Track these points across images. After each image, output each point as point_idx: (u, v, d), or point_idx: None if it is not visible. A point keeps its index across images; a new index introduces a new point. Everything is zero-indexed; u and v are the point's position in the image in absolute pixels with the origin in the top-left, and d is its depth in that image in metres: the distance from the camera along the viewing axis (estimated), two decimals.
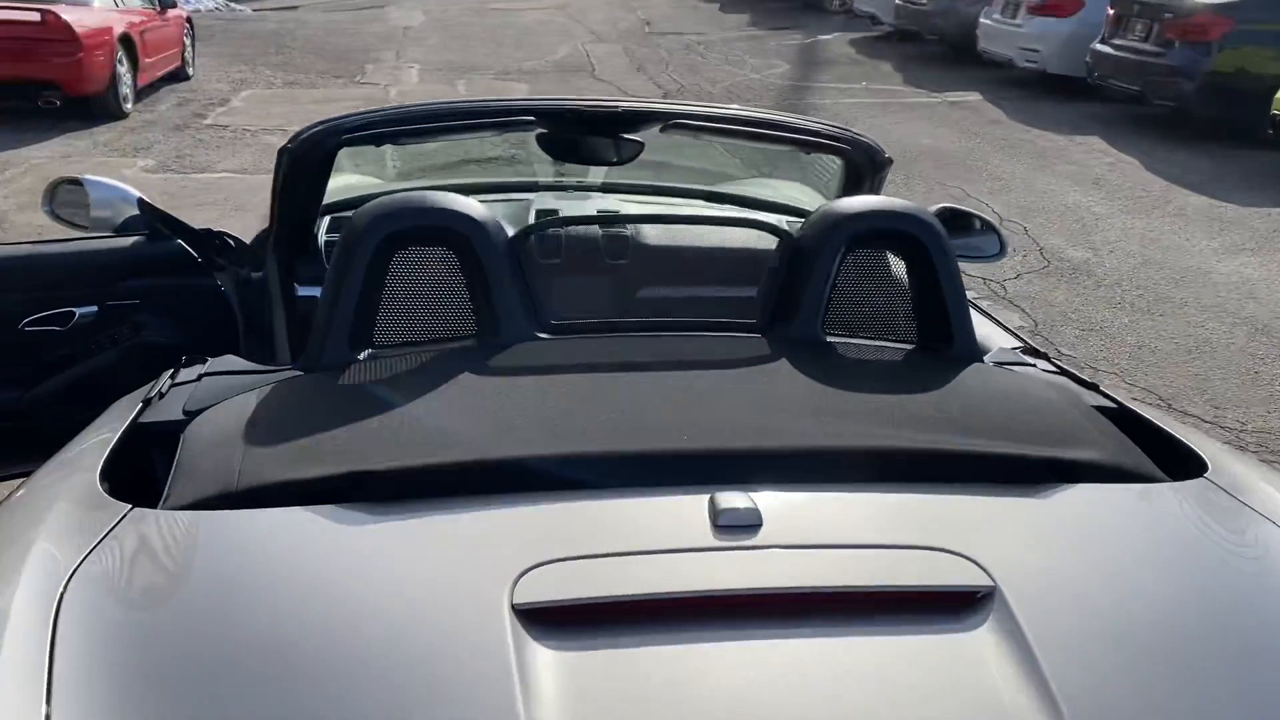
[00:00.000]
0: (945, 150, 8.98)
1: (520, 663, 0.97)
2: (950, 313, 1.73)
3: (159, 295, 2.67)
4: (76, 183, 2.71)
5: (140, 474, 1.46)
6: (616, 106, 2.40)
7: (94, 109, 9.12)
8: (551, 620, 1.04)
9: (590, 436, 1.34)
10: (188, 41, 11.61)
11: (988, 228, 2.76)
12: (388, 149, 2.90)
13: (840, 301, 1.75)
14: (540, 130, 2.44)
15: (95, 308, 2.60)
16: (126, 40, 9.49)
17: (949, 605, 1.11)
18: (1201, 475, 1.44)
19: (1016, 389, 1.62)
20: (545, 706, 0.93)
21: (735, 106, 2.63)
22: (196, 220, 2.82)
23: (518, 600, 1.04)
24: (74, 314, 2.58)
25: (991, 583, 1.11)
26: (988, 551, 1.16)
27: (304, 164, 2.34)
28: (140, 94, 10.06)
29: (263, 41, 14.49)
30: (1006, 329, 2.25)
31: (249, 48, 13.95)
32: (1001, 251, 2.72)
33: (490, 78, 12.38)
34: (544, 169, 3.16)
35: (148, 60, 10.07)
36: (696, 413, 1.42)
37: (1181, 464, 1.50)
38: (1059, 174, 8.24)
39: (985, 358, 1.89)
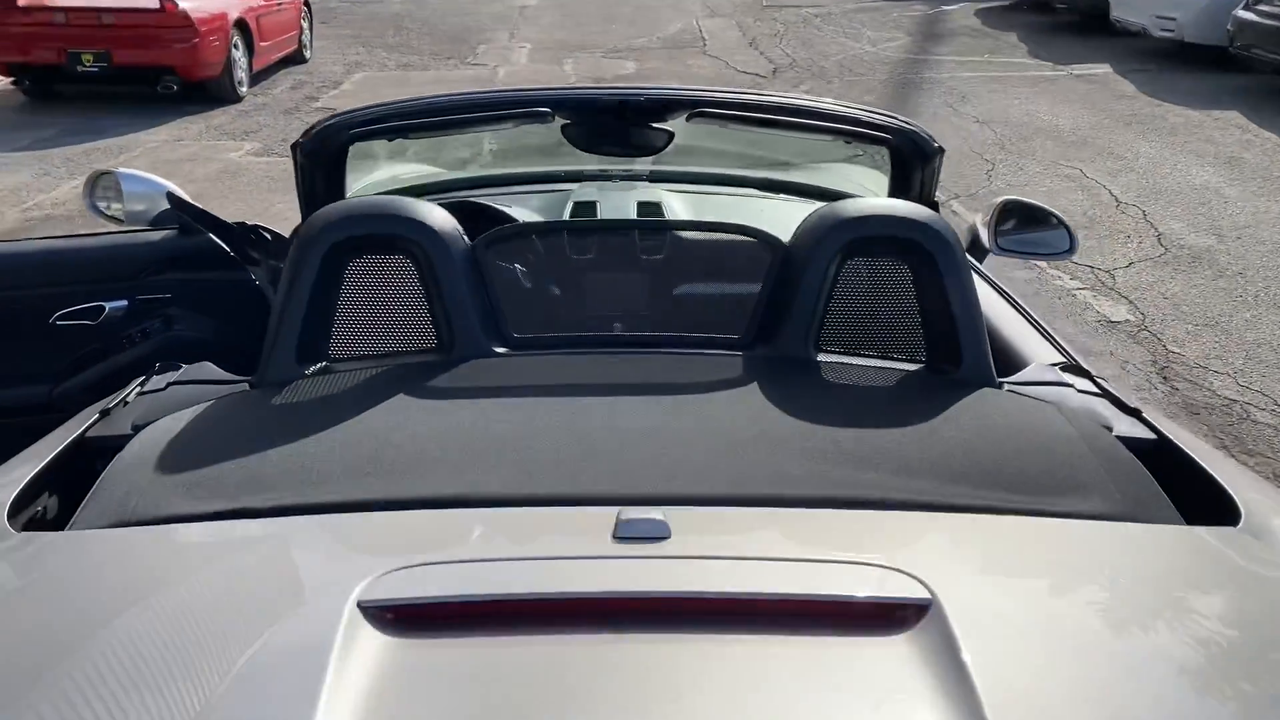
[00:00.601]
0: (1065, 127, 8.49)
1: (344, 648, 0.90)
2: (960, 330, 1.54)
3: (191, 289, 2.66)
4: (112, 175, 2.70)
5: (82, 491, 1.40)
6: (637, 94, 2.27)
7: (210, 93, 9.40)
8: (402, 618, 0.96)
9: (494, 477, 1.22)
10: (305, 24, 11.86)
11: (1059, 223, 2.60)
12: (486, 137, 2.85)
13: (837, 316, 1.58)
14: (564, 121, 2.35)
15: (125, 301, 2.60)
16: (242, 25, 9.74)
17: (876, 618, 0.97)
18: (1232, 526, 1.23)
19: (1023, 422, 1.42)
20: (353, 682, 0.87)
21: (771, 92, 2.46)
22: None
23: (364, 596, 0.98)
24: (104, 308, 2.58)
25: (928, 595, 0.97)
26: (929, 568, 1.03)
27: (317, 158, 2.30)
28: (256, 78, 10.31)
29: (382, 23, 14.72)
30: (1053, 341, 2.03)
31: (368, 29, 14.18)
32: (1072, 248, 2.57)
33: (599, 56, 12.30)
34: (591, 158, 3.04)
35: (263, 44, 10.32)
36: (626, 449, 1.28)
37: (1218, 513, 1.29)
38: (1189, 152, 7.69)
39: (1014, 377, 1.70)
